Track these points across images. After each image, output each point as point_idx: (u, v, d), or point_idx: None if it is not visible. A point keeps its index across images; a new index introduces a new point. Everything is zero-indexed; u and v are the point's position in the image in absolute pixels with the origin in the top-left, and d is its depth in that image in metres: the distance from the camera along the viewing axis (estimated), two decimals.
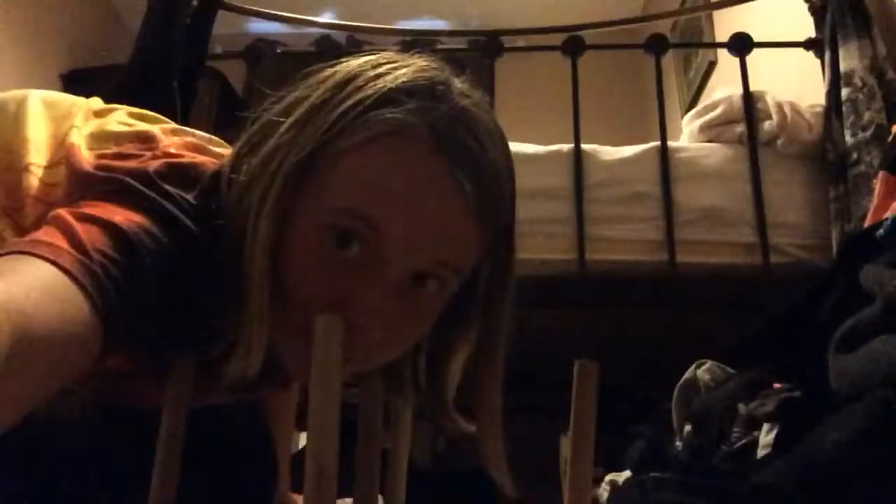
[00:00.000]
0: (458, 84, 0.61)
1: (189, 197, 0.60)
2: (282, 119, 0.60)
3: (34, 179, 0.68)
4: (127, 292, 0.53)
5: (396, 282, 0.57)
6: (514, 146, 2.03)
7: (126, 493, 0.70)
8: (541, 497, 1.46)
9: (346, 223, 0.56)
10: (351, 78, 0.59)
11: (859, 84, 1.67)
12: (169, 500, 0.66)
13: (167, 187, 0.60)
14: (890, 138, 1.32)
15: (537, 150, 1.88)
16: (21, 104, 0.73)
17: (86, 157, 0.64)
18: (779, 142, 1.80)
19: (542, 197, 1.80)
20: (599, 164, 1.84)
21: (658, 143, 1.84)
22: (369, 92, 0.57)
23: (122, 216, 0.56)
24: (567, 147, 1.85)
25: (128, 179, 0.59)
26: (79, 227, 0.53)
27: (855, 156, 1.63)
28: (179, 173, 0.62)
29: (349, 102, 0.57)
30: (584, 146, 1.84)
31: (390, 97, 0.57)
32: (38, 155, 0.69)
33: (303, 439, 2.09)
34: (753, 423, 1.00)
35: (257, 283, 0.56)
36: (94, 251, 0.52)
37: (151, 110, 0.77)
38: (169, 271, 0.57)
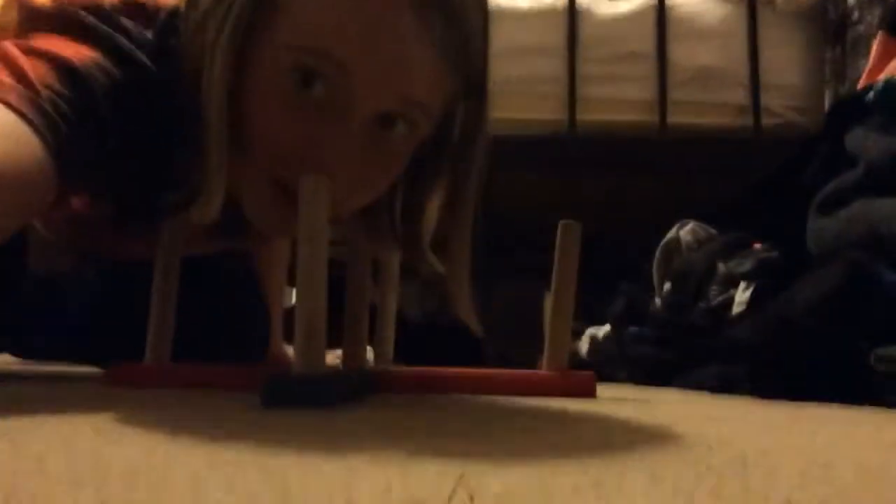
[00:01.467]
0: None
1: (147, 34, 0.58)
2: None
3: None
4: (79, 129, 0.52)
5: (364, 123, 0.55)
6: (507, 1, 1.96)
7: (122, 344, 0.73)
8: (525, 352, 1.52)
9: (309, 62, 0.54)
10: None
11: None
12: (164, 349, 0.69)
13: (123, 22, 0.58)
14: None
15: (531, 4, 1.81)
16: None
17: None
18: None
19: (535, 54, 1.76)
20: (594, 20, 1.79)
21: None
22: None
23: (73, 50, 0.54)
24: (561, 2, 1.79)
25: (81, 13, 0.57)
26: (25, 62, 0.51)
27: (856, 15, 1.59)
28: (136, 9, 0.59)
29: None
30: (578, 1, 1.78)
31: None
32: None
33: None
34: (731, 282, 1.03)
35: (215, 124, 0.55)
36: (42, 87, 0.50)
37: None
38: (124, 108, 0.55)
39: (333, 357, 0.93)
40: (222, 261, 0.87)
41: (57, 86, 0.51)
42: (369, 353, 0.81)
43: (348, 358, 0.68)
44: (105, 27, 0.57)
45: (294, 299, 0.49)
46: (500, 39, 1.75)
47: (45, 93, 0.50)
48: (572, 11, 1.76)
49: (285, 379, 0.47)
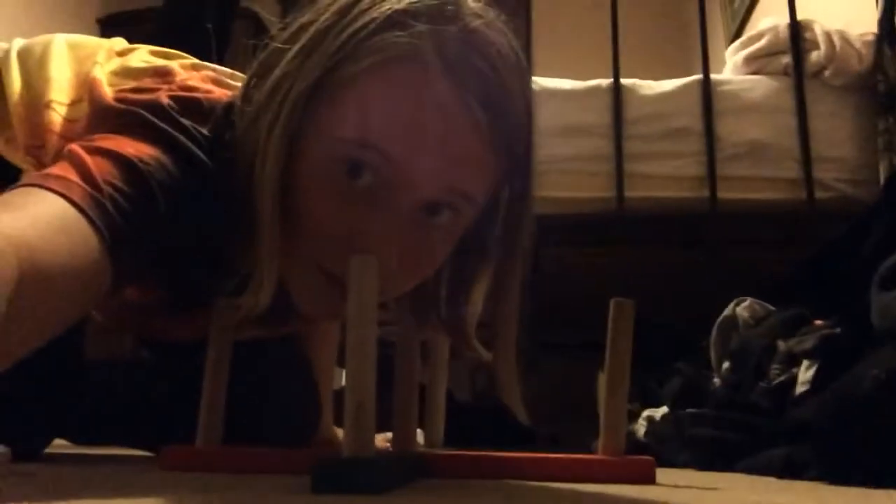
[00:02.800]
0: (471, 3, 0.58)
1: (203, 129, 0.61)
2: (288, 46, 0.59)
3: (56, 116, 0.69)
4: (136, 224, 0.54)
5: (410, 212, 0.57)
6: (552, 82, 2.02)
7: (174, 426, 0.73)
8: (577, 433, 1.48)
9: (357, 154, 0.56)
10: (356, 0, 0.58)
11: None
12: (215, 432, 0.69)
13: (180, 119, 0.60)
14: None
15: (575, 85, 1.85)
16: (46, 46, 0.74)
17: (106, 92, 0.65)
18: (826, 73, 1.74)
19: (581, 134, 1.78)
20: (639, 98, 1.80)
21: (700, 76, 1.80)
22: (374, 14, 0.56)
23: (133, 148, 0.56)
24: (606, 82, 1.82)
25: (141, 111, 0.60)
26: (90, 161, 0.54)
27: None
28: (193, 105, 0.62)
29: (355, 26, 0.56)
30: (623, 81, 1.80)
31: (397, 20, 0.55)
32: (60, 93, 0.71)
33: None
34: (792, 360, 0.99)
35: (268, 214, 0.56)
36: (104, 183, 0.52)
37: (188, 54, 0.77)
38: (181, 203, 0.58)
39: (383, 440, 0.91)
40: (273, 343, 0.88)
41: (118, 183, 0.54)
42: (419, 436, 0.80)
43: (398, 441, 0.66)
44: (163, 125, 0.59)
45: (343, 381, 0.49)
46: (546, 119, 1.77)
47: (105, 189, 0.52)
48: (617, 90, 1.78)
49: (334, 463, 0.46)
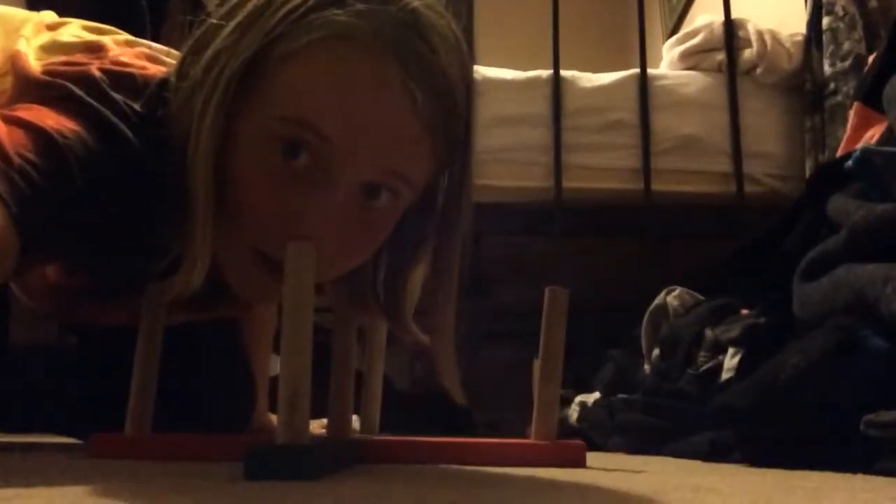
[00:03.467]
0: None
1: (135, 105, 0.59)
2: (224, 23, 0.58)
3: None
4: (48, 198, 0.52)
5: (347, 193, 0.56)
6: (493, 71, 2.02)
7: (103, 413, 0.71)
8: (514, 420, 1.50)
9: (293, 133, 0.55)
10: None
11: (840, 13, 1.65)
12: (145, 419, 0.68)
13: (111, 93, 0.59)
14: (865, 69, 1.32)
15: (516, 75, 1.86)
16: None
17: (31, 64, 0.63)
18: (758, 71, 1.80)
19: (521, 124, 1.80)
20: (578, 90, 1.83)
21: (638, 70, 1.83)
22: None
23: (54, 121, 0.55)
24: (546, 73, 1.83)
25: (69, 85, 0.58)
26: (4, 131, 0.52)
27: (832, 86, 1.63)
28: (125, 80, 0.60)
29: (292, 3, 0.55)
30: (563, 73, 1.82)
31: None
32: None
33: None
34: (719, 348, 1.03)
35: (201, 193, 0.55)
36: (15, 155, 0.51)
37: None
38: (102, 180, 0.56)
39: (320, 425, 0.91)
40: (206, 329, 0.86)
41: (31, 155, 0.52)
42: (356, 422, 0.80)
43: (333, 426, 0.67)
44: (90, 99, 0.57)
45: (279, 368, 0.48)
46: (487, 109, 1.78)
47: (16, 161, 0.51)
48: (557, 82, 1.80)
49: (267, 450, 0.46)
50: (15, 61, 0.64)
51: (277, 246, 0.53)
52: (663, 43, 2.17)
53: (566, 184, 1.75)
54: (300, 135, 0.55)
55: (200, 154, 0.55)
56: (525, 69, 1.88)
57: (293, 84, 0.55)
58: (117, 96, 0.59)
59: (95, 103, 0.57)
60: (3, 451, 0.80)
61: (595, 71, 1.90)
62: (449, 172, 0.63)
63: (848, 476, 0.63)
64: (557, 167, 1.75)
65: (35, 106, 0.56)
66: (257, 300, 0.73)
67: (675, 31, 2.99)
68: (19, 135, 0.53)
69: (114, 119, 0.58)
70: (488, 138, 1.77)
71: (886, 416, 0.64)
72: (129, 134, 0.58)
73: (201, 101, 0.56)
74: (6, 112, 0.55)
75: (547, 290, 0.70)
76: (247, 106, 0.56)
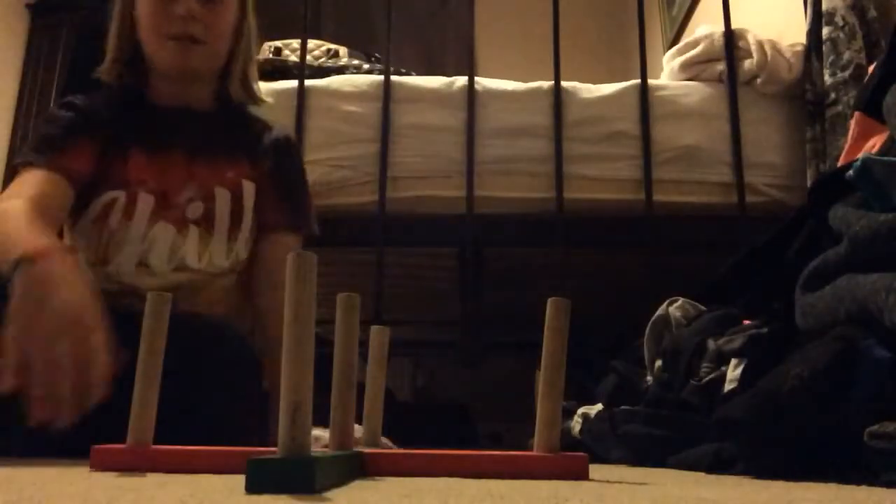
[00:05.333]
0: None
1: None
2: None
3: None
4: (67, 128, 1.15)
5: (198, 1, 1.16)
6: (495, 83, 2.02)
7: (104, 425, 0.71)
8: (518, 430, 1.50)
9: None
10: None
11: (840, 23, 1.66)
12: (147, 431, 0.68)
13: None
14: (866, 79, 1.32)
15: (517, 87, 1.86)
16: None
17: None
18: (758, 81, 1.80)
19: (522, 135, 1.80)
20: (579, 101, 1.83)
21: (638, 80, 1.83)
22: None
23: None
24: (547, 84, 1.84)
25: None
26: None
27: (833, 96, 1.64)
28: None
29: None
30: (564, 84, 1.83)
31: None
32: None
33: None
34: (722, 359, 1.03)
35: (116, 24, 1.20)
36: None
37: None
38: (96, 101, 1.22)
39: (323, 432, 0.91)
40: (213, 344, 0.86)
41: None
42: (357, 433, 0.79)
43: (335, 437, 0.66)
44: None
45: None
46: (488, 120, 1.79)
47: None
48: (558, 93, 1.80)
49: (268, 463, 0.45)
50: None
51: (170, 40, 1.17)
52: (664, 54, 2.18)
53: (567, 194, 1.75)
54: None
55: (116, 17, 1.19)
56: (526, 80, 1.88)
57: None
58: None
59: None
60: (6, 464, 0.80)
61: (596, 82, 1.90)
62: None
63: (851, 488, 0.62)
64: (559, 178, 1.75)
65: None
66: (173, 67, 1.19)
67: (675, 41, 3.00)
68: None
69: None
70: (490, 149, 1.78)
71: (890, 426, 0.64)
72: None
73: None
74: None
75: (549, 301, 0.70)
76: None
